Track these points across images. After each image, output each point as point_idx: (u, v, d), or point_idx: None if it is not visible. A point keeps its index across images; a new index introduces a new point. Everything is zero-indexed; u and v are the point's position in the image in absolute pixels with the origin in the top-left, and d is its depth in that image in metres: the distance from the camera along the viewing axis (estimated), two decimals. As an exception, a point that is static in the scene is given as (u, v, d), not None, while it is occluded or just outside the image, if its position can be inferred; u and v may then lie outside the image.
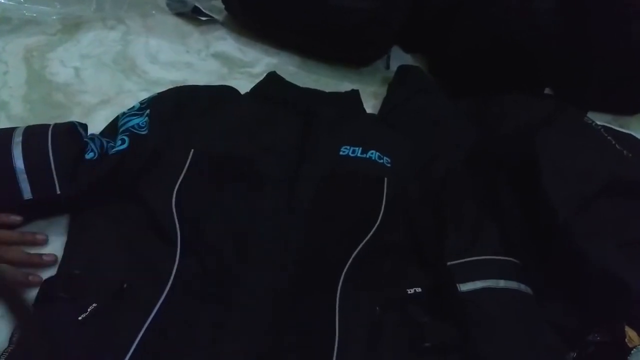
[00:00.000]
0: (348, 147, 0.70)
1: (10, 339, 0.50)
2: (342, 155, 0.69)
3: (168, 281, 0.56)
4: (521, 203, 0.68)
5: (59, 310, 0.52)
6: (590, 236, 0.60)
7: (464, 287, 0.57)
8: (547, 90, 0.94)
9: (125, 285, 0.55)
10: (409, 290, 0.59)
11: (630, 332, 0.54)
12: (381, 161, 0.69)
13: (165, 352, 0.52)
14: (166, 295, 0.55)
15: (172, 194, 0.61)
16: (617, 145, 0.71)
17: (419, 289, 0.59)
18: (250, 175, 0.66)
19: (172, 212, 0.60)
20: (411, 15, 0.87)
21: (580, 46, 0.87)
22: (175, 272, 0.56)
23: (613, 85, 0.93)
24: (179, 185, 0.62)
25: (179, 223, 0.59)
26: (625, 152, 0.71)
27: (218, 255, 0.59)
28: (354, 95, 0.82)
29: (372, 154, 0.69)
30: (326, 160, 0.68)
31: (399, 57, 0.97)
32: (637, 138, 0.81)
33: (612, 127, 0.83)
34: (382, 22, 0.85)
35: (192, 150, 0.66)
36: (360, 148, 0.70)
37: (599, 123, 0.76)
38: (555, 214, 0.61)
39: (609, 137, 0.73)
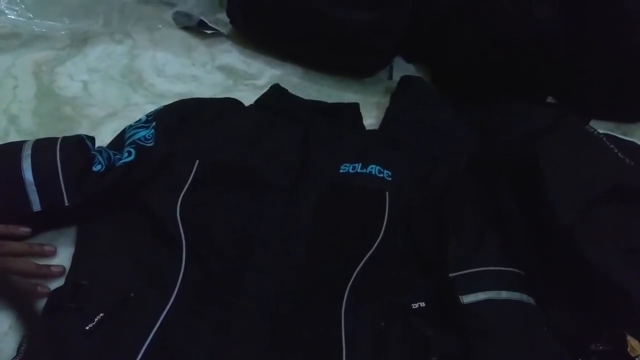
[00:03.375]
0: (348, 165, 0.71)
1: (18, 348, 0.51)
2: (342, 172, 0.70)
3: (174, 288, 0.57)
4: (523, 210, 0.68)
5: (66, 320, 0.53)
6: (592, 242, 0.60)
7: (466, 299, 0.58)
8: (549, 99, 0.94)
9: (132, 294, 0.56)
10: (413, 305, 0.59)
11: (632, 342, 0.54)
12: (381, 175, 0.70)
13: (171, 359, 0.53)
14: (172, 303, 0.56)
15: (177, 203, 0.63)
16: (619, 153, 0.71)
17: (422, 304, 0.60)
18: (253, 183, 0.67)
19: (177, 220, 0.61)
20: (411, 24, 0.88)
21: (581, 53, 0.88)
22: (181, 279, 0.57)
23: (616, 93, 0.93)
24: (184, 194, 0.64)
25: (183, 231, 0.60)
26: (627, 160, 0.71)
27: (222, 261, 0.60)
28: (354, 108, 0.83)
29: (372, 168, 0.70)
30: (327, 177, 0.69)
31: (401, 68, 0.98)
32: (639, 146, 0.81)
33: (615, 135, 0.83)
34: (382, 31, 0.86)
35: (197, 160, 0.67)
36: (360, 164, 0.71)
37: (601, 131, 0.76)
38: (557, 219, 0.61)
39: (611, 145, 0.73)
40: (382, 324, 0.57)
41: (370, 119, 0.86)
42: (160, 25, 0.98)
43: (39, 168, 0.60)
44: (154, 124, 0.69)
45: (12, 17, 0.86)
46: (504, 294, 0.58)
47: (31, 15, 0.87)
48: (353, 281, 0.59)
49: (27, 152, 0.61)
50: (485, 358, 0.54)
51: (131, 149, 0.65)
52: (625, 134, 0.88)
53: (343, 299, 0.58)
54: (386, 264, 0.62)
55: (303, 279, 0.60)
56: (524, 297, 0.58)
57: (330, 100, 0.86)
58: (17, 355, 0.51)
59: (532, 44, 0.83)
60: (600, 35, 0.86)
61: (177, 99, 0.77)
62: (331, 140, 0.74)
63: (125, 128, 0.71)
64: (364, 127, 0.82)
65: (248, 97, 0.82)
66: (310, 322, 0.57)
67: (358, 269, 0.60)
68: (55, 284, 0.59)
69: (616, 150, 0.72)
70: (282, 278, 0.59)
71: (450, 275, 0.60)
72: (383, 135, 0.80)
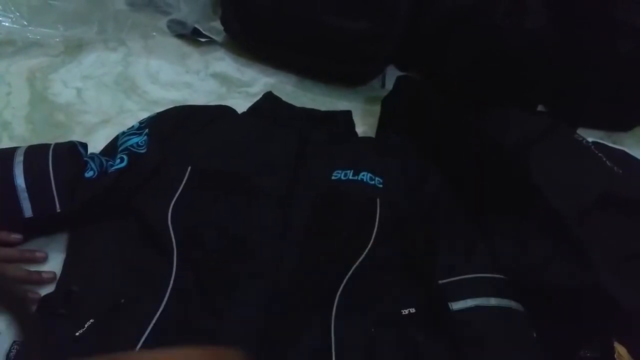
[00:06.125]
0: (340, 171, 0.71)
1: (8, 354, 0.51)
2: (334, 179, 0.71)
3: (165, 295, 0.57)
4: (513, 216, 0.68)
5: (56, 326, 0.53)
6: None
7: (456, 305, 0.58)
8: (540, 107, 0.95)
9: (122, 300, 0.56)
10: (403, 311, 0.60)
11: (619, 348, 0.54)
12: (373, 182, 0.70)
13: None
14: (163, 309, 0.56)
15: (169, 209, 0.63)
16: (607, 162, 0.72)
17: (412, 310, 0.60)
18: (245, 190, 0.67)
19: (168, 227, 0.61)
20: (406, 34, 0.89)
21: (572, 63, 0.89)
22: (172, 286, 0.57)
23: (606, 102, 0.94)
24: (176, 200, 0.64)
25: (174, 237, 0.60)
26: (615, 168, 0.72)
27: (213, 268, 0.60)
28: (347, 116, 0.84)
29: (363, 175, 0.71)
30: (319, 183, 0.70)
31: (394, 76, 0.98)
32: (628, 154, 0.81)
33: (604, 143, 0.84)
34: (375, 40, 0.86)
35: (189, 167, 0.68)
36: (352, 170, 0.71)
37: (590, 139, 0.77)
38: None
39: (599, 154, 0.73)
40: (373, 330, 0.58)
41: (363, 127, 0.86)
42: (154, 33, 0.99)
43: (31, 174, 0.60)
44: (146, 130, 0.69)
45: (7, 24, 0.86)
46: (493, 301, 0.58)
47: (26, 23, 0.87)
48: (344, 287, 0.59)
49: (19, 159, 0.61)
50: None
51: (124, 156, 0.66)
52: (614, 143, 0.89)
53: (333, 304, 0.58)
54: (377, 271, 0.62)
55: (294, 284, 0.60)
56: (513, 304, 0.59)
57: (323, 108, 0.86)
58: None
59: (524, 56, 0.84)
60: (590, 45, 0.87)
61: (170, 106, 0.77)
62: (324, 147, 0.75)
63: (118, 135, 0.71)
64: (356, 134, 0.83)
65: (241, 105, 0.83)
66: (300, 328, 0.57)
67: (349, 275, 0.60)
68: (46, 290, 0.58)
69: (605, 159, 0.72)
70: (273, 284, 0.59)
71: (440, 282, 0.60)
72: (375, 143, 0.80)
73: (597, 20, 0.86)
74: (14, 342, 0.52)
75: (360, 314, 0.59)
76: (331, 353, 0.55)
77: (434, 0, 0.87)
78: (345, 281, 0.60)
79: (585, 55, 0.88)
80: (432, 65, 0.96)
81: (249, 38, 0.96)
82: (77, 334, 0.52)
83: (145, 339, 0.53)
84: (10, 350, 0.51)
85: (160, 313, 0.55)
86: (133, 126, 0.71)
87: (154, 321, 0.55)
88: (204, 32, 0.97)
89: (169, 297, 0.57)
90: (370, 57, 0.90)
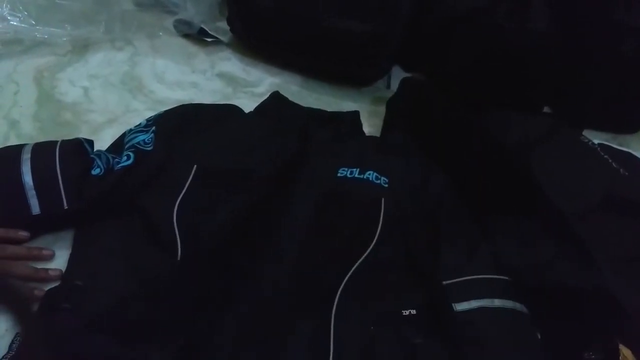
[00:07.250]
0: (346, 169, 0.71)
1: (10, 345, 0.52)
2: (339, 176, 0.71)
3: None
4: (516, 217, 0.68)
5: (60, 320, 0.53)
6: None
7: (460, 306, 0.58)
8: (546, 109, 0.95)
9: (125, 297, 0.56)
10: (403, 312, 0.60)
11: (624, 351, 0.54)
12: (378, 181, 0.70)
13: None
14: None
15: (174, 208, 0.63)
16: (613, 164, 0.72)
17: (413, 311, 0.60)
18: (250, 188, 0.67)
19: (173, 225, 0.61)
20: (410, 34, 0.89)
21: (576, 64, 0.88)
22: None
23: (612, 104, 0.94)
24: (181, 198, 0.64)
25: (179, 235, 0.61)
26: (621, 170, 0.72)
27: (216, 266, 0.60)
28: (354, 116, 0.84)
29: (369, 174, 0.71)
30: (324, 180, 0.70)
31: (399, 77, 0.98)
32: (635, 156, 0.81)
33: (610, 145, 0.84)
34: (378, 42, 0.87)
35: (195, 165, 0.68)
36: (358, 169, 0.71)
37: (596, 141, 0.77)
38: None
39: (605, 156, 0.73)
40: (372, 328, 0.58)
41: (369, 128, 0.86)
42: (160, 33, 1.00)
43: (39, 172, 0.60)
44: (153, 128, 0.70)
45: (15, 23, 0.87)
46: (497, 302, 0.58)
47: (33, 22, 0.88)
48: (344, 286, 0.60)
49: (26, 156, 0.61)
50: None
51: (130, 153, 0.66)
52: (621, 145, 0.89)
53: (334, 303, 0.58)
54: (379, 270, 0.62)
55: (295, 282, 0.60)
56: (517, 305, 0.59)
57: (329, 109, 0.86)
58: (9, 351, 0.51)
59: (526, 55, 0.84)
60: (592, 44, 0.87)
61: (176, 105, 0.78)
62: (328, 145, 0.75)
63: (125, 132, 0.72)
64: (363, 133, 0.83)
65: (247, 105, 0.83)
66: (300, 325, 0.57)
67: (350, 273, 0.60)
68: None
69: (610, 161, 0.72)
70: (275, 282, 0.60)
71: (444, 282, 0.60)
72: (381, 142, 0.80)
73: (599, 20, 0.86)
74: (17, 333, 0.53)
75: (361, 312, 0.59)
76: (329, 350, 0.55)
77: (436, -1, 0.88)
78: (346, 279, 0.60)
79: (588, 55, 0.88)
80: (434, 64, 0.96)
81: (252, 37, 0.96)
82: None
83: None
84: (13, 342, 0.52)
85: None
86: (140, 123, 0.72)
87: (157, 318, 0.55)
88: (210, 32, 0.98)
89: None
90: (372, 56, 0.90)
